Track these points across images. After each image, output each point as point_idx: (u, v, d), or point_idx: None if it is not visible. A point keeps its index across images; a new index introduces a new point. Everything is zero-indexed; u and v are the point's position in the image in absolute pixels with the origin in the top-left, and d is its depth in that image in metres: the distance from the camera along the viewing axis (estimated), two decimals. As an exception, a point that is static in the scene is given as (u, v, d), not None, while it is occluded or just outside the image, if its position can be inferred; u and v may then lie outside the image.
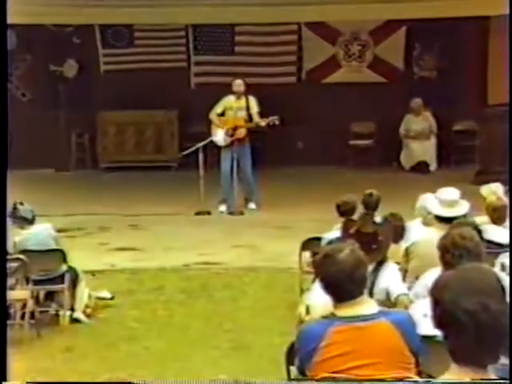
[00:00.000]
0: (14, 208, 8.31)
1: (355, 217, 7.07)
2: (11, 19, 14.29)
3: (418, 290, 5.51)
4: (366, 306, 3.90)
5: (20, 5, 13.37)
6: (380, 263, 5.66)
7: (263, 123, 12.74)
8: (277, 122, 12.69)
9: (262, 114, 12.85)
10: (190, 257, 10.36)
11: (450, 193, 6.87)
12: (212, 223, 12.19)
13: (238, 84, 12.80)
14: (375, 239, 5.59)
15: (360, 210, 7.96)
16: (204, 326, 8.00)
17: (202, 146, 12.74)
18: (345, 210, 7.62)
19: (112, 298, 8.74)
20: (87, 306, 8.37)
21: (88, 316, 8.31)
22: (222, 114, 12.87)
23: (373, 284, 5.44)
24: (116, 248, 10.91)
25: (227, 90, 12.97)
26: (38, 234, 8.27)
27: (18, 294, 8.02)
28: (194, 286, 9.28)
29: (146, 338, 7.71)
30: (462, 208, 6.74)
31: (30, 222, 8.27)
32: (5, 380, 4.39)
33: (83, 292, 8.37)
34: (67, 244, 8.88)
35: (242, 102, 12.78)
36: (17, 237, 8.29)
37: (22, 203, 8.36)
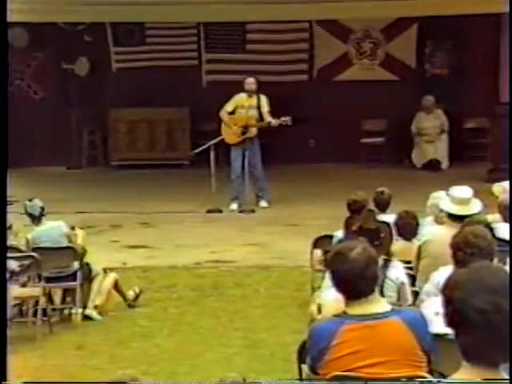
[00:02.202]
0: (25, 205, 8.33)
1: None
2: (23, 17, 14.40)
3: (430, 289, 5.50)
4: (378, 304, 3.89)
5: (32, 3, 13.42)
6: (387, 261, 5.66)
7: (275, 124, 12.71)
8: (289, 123, 12.66)
9: (273, 112, 12.84)
10: (201, 255, 10.37)
11: (463, 191, 6.84)
12: (223, 221, 12.20)
13: (250, 82, 12.78)
14: (377, 236, 5.58)
15: (371, 207, 7.97)
16: (215, 323, 8.01)
17: (214, 143, 12.74)
18: (355, 208, 7.62)
19: (140, 293, 8.70)
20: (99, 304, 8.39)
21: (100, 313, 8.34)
22: (233, 112, 12.86)
23: (382, 282, 5.43)
24: (127, 246, 10.94)
25: (239, 87, 12.96)
26: (50, 230, 8.29)
27: (30, 291, 8.05)
28: (206, 284, 9.29)
29: (157, 335, 7.72)
30: (475, 206, 6.72)
31: (38, 218, 8.28)
32: (5, 380, 4.40)
33: (99, 288, 8.37)
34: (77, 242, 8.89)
35: (254, 100, 12.76)
36: (29, 234, 8.32)
37: (30, 199, 8.37)
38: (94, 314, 8.26)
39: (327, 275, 5.80)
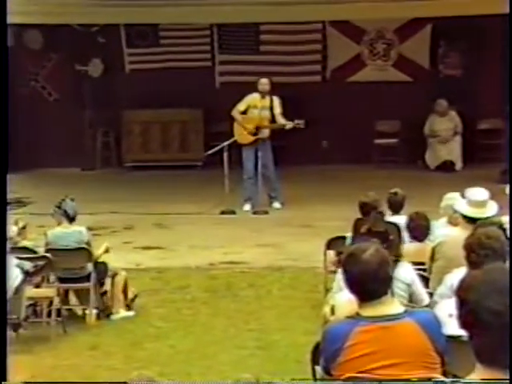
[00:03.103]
0: (63, 200, 8.31)
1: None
2: (38, 19, 14.45)
3: (443, 290, 5.50)
4: (391, 305, 3.89)
5: (45, 5, 13.48)
6: (395, 261, 5.66)
7: (289, 126, 12.70)
8: (302, 126, 12.65)
9: (286, 113, 12.85)
10: (214, 256, 10.38)
11: (480, 193, 6.81)
12: (236, 222, 12.20)
13: (264, 83, 12.77)
14: (386, 238, 5.58)
15: (384, 208, 7.97)
16: (229, 325, 8.02)
17: (227, 144, 12.75)
18: (367, 209, 7.62)
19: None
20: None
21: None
22: (245, 112, 12.86)
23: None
24: (141, 247, 10.96)
25: (252, 88, 12.96)
26: (72, 235, 8.30)
27: (44, 291, 8.09)
28: (219, 285, 9.30)
29: (171, 336, 7.74)
30: (492, 209, 6.69)
31: (70, 220, 8.30)
32: (5, 380, 4.42)
33: (120, 288, 8.40)
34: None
35: (267, 101, 12.76)
36: (50, 231, 8.33)
37: (72, 199, 8.36)
38: (124, 313, 8.29)
39: (338, 276, 5.83)
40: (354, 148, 15.84)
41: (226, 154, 12.72)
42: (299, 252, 10.31)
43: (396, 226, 7.08)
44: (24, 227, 8.49)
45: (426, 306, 5.57)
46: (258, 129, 12.75)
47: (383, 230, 5.76)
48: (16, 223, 8.45)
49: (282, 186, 13.11)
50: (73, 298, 8.56)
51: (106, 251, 8.56)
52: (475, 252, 4.98)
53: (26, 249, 8.16)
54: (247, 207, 12.89)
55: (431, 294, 5.88)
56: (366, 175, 14.63)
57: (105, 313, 8.37)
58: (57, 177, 15.72)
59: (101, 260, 8.42)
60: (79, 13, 14.06)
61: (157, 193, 14.08)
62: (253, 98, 12.81)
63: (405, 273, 5.68)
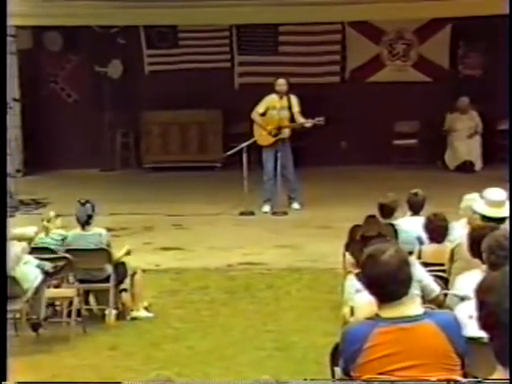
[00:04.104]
0: (82, 204, 8.32)
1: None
2: (57, 21, 14.49)
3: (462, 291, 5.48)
4: (411, 306, 3.88)
5: (65, 7, 13.53)
6: None
7: (309, 124, 12.71)
8: (322, 123, 12.66)
9: (305, 114, 12.85)
10: (233, 257, 10.39)
11: (498, 193, 6.79)
12: (255, 223, 12.21)
13: (281, 83, 12.79)
14: (381, 240, 5.56)
15: (404, 209, 7.96)
16: (247, 326, 8.02)
17: (246, 145, 12.76)
18: (387, 210, 7.60)
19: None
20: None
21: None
22: (264, 114, 12.87)
23: None
24: (160, 247, 10.99)
25: (271, 89, 12.97)
26: (91, 236, 8.32)
27: (64, 291, 8.13)
28: (238, 286, 9.31)
29: (190, 337, 7.75)
30: (509, 209, 6.67)
31: (82, 225, 8.32)
32: (4, 380, 4.43)
33: (140, 286, 8.42)
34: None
35: (285, 101, 12.77)
36: (70, 232, 8.36)
37: (83, 203, 8.36)
38: (144, 313, 8.31)
39: (351, 276, 5.83)
40: (373, 149, 15.80)
41: (244, 155, 12.73)
42: (318, 253, 10.30)
43: (393, 226, 7.11)
44: (56, 216, 8.53)
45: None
46: (278, 129, 12.75)
47: (376, 233, 5.78)
48: (44, 219, 8.50)
49: (301, 186, 13.10)
50: (92, 299, 8.59)
51: (127, 254, 8.59)
52: (495, 253, 4.96)
53: (46, 249, 8.20)
54: (266, 208, 12.89)
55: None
56: (385, 176, 14.58)
57: (124, 313, 8.38)
58: (76, 178, 15.78)
59: (121, 260, 8.44)
60: (99, 14, 14.10)
61: (176, 194, 14.10)
62: (271, 98, 12.83)
63: (414, 271, 5.68)
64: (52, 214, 8.58)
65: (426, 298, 5.60)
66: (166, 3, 13.70)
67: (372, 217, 6.92)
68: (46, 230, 8.40)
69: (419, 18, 15.66)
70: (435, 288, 5.81)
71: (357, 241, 5.87)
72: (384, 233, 5.84)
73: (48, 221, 8.42)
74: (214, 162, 16.41)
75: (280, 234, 11.53)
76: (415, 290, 5.53)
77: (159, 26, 16.40)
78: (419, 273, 5.77)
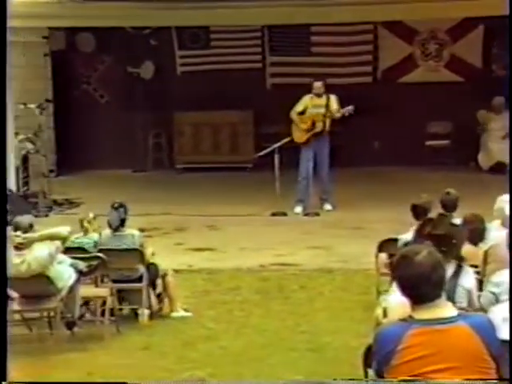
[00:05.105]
0: (116, 208, 8.36)
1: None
2: (91, 23, 14.59)
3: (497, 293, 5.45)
4: (445, 308, 3.86)
5: (98, 9, 13.61)
6: (459, 267, 5.60)
7: (338, 114, 12.75)
8: (351, 112, 12.68)
9: (339, 112, 12.90)
10: (265, 257, 10.40)
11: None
12: (288, 224, 12.21)
13: (318, 87, 12.88)
14: (445, 241, 5.51)
15: (438, 210, 7.90)
16: (280, 326, 8.02)
17: (278, 146, 12.77)
18: (420, 211, 7.56)
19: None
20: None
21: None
22: (303, 113, 12.92)
23: (453, 289, 5.39)
24: (192, 248, 11.02)
25: (303, 90, 12.99)
26: (124, 237, 8.37)
27: (97, 291, 8.18)
28: (270, 286, 9.31)
29: (222, 337, 7.76)
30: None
31: (113, 229, 8.37)
32: (4, 380, 4.46)
33: (173, 287, 8.45)
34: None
35: (323, 100, 12.85)
36: (103, 232, 8.42)
37: (116, 207, 8.38)
38: (183, 313, 8.35)
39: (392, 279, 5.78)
40: (405, 149, 15.74)
41: (276, 156, 12.74)
42: (350, 254, 10.28)
43: (462, 228, 6.98)
44: (94, 217, 8.61)
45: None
46: (312, 125, 12.81)
47: (443, 232, 5.68)
48: (84, 220, 8.57)
49: (334, 187, 13.08)
50: (125, 298, 8.63)
51: (152, 255, 8.62)
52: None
53: (79, 249, 8.26)
54: (298, 209, 12.89)
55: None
56: (418, 177, 14.53)
57: (158, 314, 8.43)
58: (109, 178, 15.88)
59: (152, 261, 8.49)
60: (131, 16, 14.17)
61: (208, 194, 14.14)
62: (309, 97, 12.92)
63: (467, 280, 5.62)
64: (91, 215, 8.65)
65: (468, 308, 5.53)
66: (197, 4, 13.74)
67: (442, 215, 6.86)
68: (86, 231, 8.48)
69: (452, 18, 15.58)
70: (476, 303, 5.73)
71: (423, 236, 5.78)
72: (451, 233, 5.75)
73: (88, 222, 8.51)
74: (245, 163, 16.43)
75: (312, 234, 11.53)
76: (461, 299, 5.49)
77: (191, 27, 16.46)
78: (471, 283, 5.70)
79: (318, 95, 12.84)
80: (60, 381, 6.56)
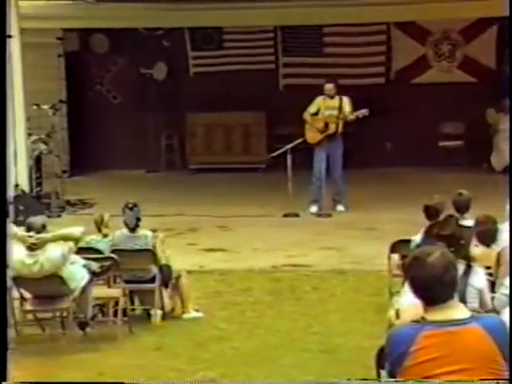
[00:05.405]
0: (131, 208, 8.37)
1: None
2: (104, 24, 14.64)
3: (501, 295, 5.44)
4: (457, 310, 3.85)
5: (111, 10, 13.67)
6: (469, 267, 5.59)
7: (352, 117, 12.74)
8: (366, 114, 12.68)
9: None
10: (278, 258, 10.40)
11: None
12: (300, 225, 12.20)
13: (329, 88, 12.87)
14: (452, 241, 5.50)
15: (451, 211, 7.88)
16: (292, 327, 8.02)
17: (291, 147, 12.78)
18: (432, 212, 7.54)
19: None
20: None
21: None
22: (316, 114, 12.92)
23: (464, 289, 5.38)
24: (205, 249, 11.03)
25: (315, 91, 12.99)
26: (138, 238, 8.38)
27: (110, 291, 8.20)
28: (282, 287, 9.31)
29: (235, 338, 7.76)
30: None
31: (130, 229, 8.38)
32: (4, 380, 4.47)
33: (187, 288, 8.47)
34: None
35: (336, 101, 12.84)
36: (116, 232, 8.43)
37: (131, 207, 8.39)
38: (194, 313, 8.36)
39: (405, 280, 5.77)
40: (418, 150, 15.72)
41: (289, 157, 12.75)
42: (363, 255, 10.27)
43: (470, 228, 6.97)
44: (104, 227, 8.63)
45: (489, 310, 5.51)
46: (325, 126, 12.81)
47: (450, 233, 5.69)
48: (101, 221, 8.59)
49: (347, 188, 13.07)
50: (137, 299, 8.65)
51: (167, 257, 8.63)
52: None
53: (92, 249, 8.28)
54: (314, 209, 12.89)
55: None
56: (431, 178, 14.51)
57: (171, 314, 8.44)
58: (122, 179, 15.92)
59: (165, 262, 8.50)
60: (144, 17, 14.23)
61: (220, 195, 14.15)
62: (322, 99, 12.91)
63: (477, 280, 5.61)
64: (107, 216, 8.66)
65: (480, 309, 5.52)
66: (210, 5, 13.77)
67: (450, 216, 6.85)
68: (102, 232, 8.51)
69: (465, 18, 15.55)
70: (489, 304, 5.71)
71: (431, 237, 5.78)
72: (458, 234, 5.74)
73: (105, 223, 8.53)
74: (258, 164, 16.44)
75: (324, 235, 11.52)
76: (472, 299, 5.49)
77: (204, 28, 16.49)
78: (482, 282, 5.68)
79: (330, 97, 12.85)
80: (70, 381, 6.57)
